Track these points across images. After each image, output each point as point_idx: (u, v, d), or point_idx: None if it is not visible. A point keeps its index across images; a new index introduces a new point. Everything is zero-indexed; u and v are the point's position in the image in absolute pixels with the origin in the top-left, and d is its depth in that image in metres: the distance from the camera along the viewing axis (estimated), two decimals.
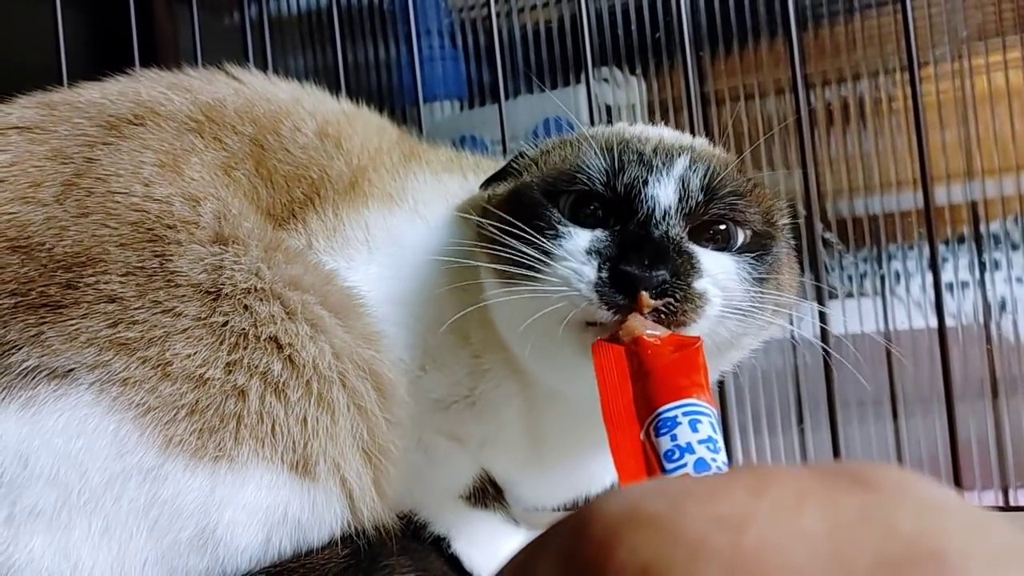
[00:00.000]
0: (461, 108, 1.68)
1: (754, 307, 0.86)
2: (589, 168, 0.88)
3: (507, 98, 1.41)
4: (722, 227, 0.88)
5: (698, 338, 0.77)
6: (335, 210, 0.97)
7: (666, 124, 1.48)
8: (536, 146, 1.00)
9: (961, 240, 1.38)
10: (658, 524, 0.37)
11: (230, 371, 0.80)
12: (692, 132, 1.30)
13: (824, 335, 1.23)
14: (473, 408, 0.97)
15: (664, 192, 0.85)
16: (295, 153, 0.98)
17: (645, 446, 0.68)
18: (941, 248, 1.34)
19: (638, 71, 1.52)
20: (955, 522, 0.37)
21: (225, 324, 0.81)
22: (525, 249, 0.84)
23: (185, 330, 0.79)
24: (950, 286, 1.37)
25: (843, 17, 1.41)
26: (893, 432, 1.38)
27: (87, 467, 0.74)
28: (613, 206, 0.87)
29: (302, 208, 0.97)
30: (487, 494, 1.05)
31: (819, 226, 1.36)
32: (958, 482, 1.21)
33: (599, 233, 0.85)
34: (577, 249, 0.83)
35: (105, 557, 0.75)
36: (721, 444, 0.66)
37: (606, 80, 1.50)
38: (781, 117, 1.44)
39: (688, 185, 0.86)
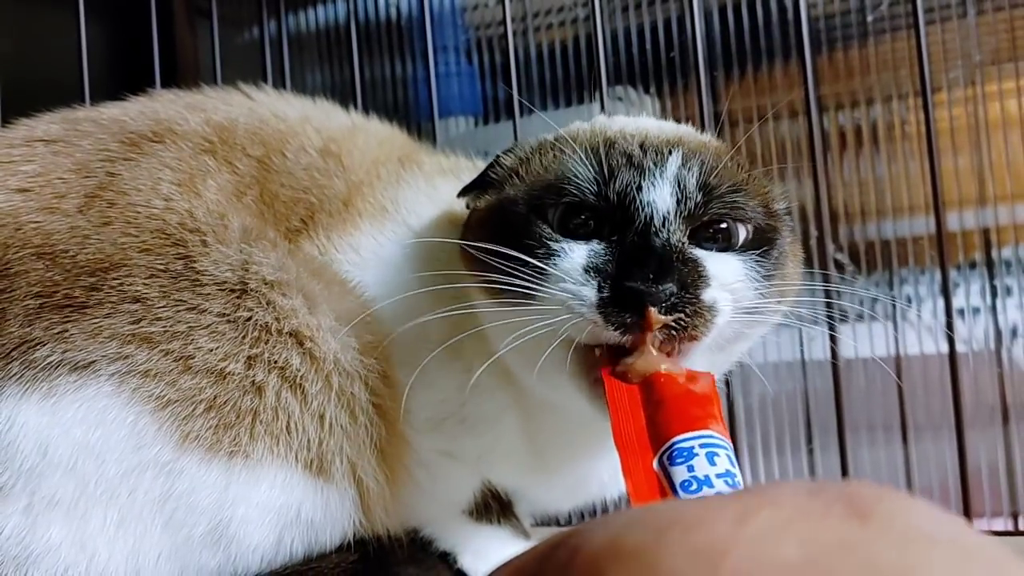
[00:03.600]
0: (476, 124, 1.69)
1: (762, 304, 0.83)
2: (577, 177, 0.83)
3: (522, 115, 1.42)
4: (724, 226, 0.83)
5: (710, 373, 0.75)
6: (327, 234, 0.98)
7: None
8: (513, 152, 0.95)
9: (973, 266, 1.38)
10: (639, 558, 0.39)
11: (250, 366, 0.81)
12: None
13: (834, 358, 1.23)
14: (464, 424, 0.96)
15: (660, 196, 0.80)
16: (297, 175, 0.99)
17: (659, 474, 0.66)
18: (953, 273, 1.34)
19: (652, 90, 1.53)
20: (939, 558, 0.38)
21: (249, 319, 0.83)
22: (517, 273, 0.80)
23: (209, 325, 0.81)
24: (961, 312, 1.37)
25: (857, 41, 1.42)
26: (903, 457, 1.37)
27: (105, 458, 0.76)
28: (607, 215, 0.82)
29: (296, 235, 0.98)
30: (492, 509, 1.05)
31: (831, 247, 1.36)
32: (967, 508, 1.20)
33: (595, 246, 0.80)
34: (574, 267, 0.79)
35: (121, 549, 0.76)
36: (739, 479, 0.64)
37: (620, 99, 1.51)
38: (794, 139, 1.45)
39: (684, 185, 0.81)
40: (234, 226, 0.87)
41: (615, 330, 0.75)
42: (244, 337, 0.82)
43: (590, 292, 0.77)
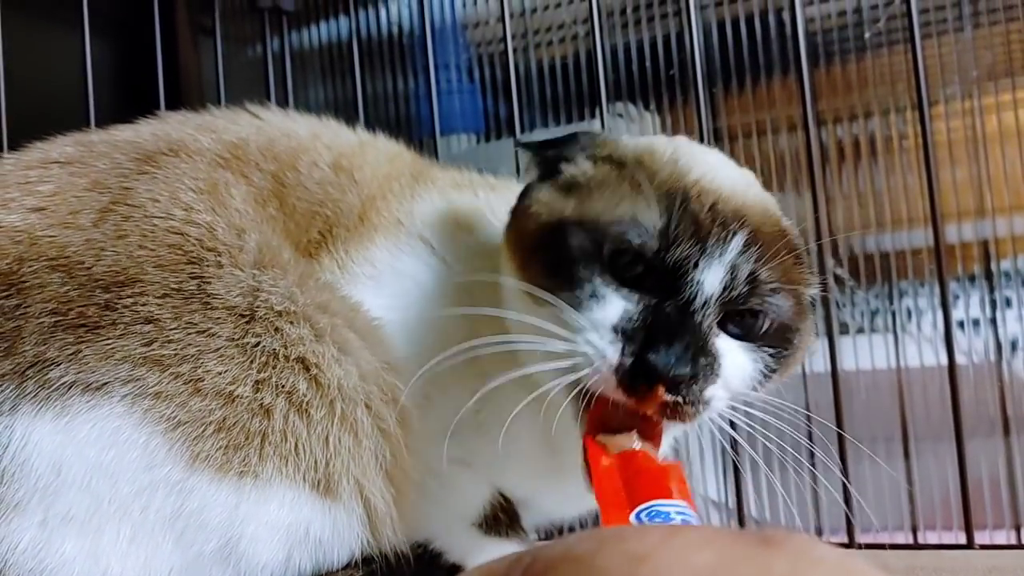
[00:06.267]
0: (478, 141, 1.71)
1: (753, 395, 0.87)
2: (642, 229, 0.84)
3: (523, 132, 1.43)
4: (752, 316, 0.86)
5: (679, 462, 0.80)
6: (345, 247, 1.00)
7: None
8: (596, 147, 0.94)
9: (972, 278, 1.39)
10: (583, 560, 0.48)
11: (258, 389, 0.82)
12: None
13: (835, 371, 1.24)
14: (480, 430, 0.97)
15: (711, 279, 0.82)
16: (312, 189, 1.01)
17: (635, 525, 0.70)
18: (953, 285, 1.35)
19: (652, 106, 1.54)
20: (822, 571, 0.47)
21: (257, 345, 0.84)
22: (556, 295, 0.84)
23: (218, 349, 0.82)
24: (961, 324, 1.37)
25: (854, 55, 1.43)
26: (904, 470, 1.37)
27: (117, 477, 0.77)
28: (657, 274, 0.84)
29: (317, 248, 0.99)
30: (500, 522, 1.06)
31: (830, 262, 1.36)
32: (969, 521, 1.20)
33: (630, 306, 0.83)
34: (605, 323, 0.82)
35: (133, 564, 0.77)
36: None
37: (620, 115, 1.52)
38: (793, 153, 1.45)
39: (736, 273, 0.83)
40: (250, 247, 0.88)
41: (623, 392, 0.80)
42: (252, 361, 0.83)
43: (613, 355, 0.80)
